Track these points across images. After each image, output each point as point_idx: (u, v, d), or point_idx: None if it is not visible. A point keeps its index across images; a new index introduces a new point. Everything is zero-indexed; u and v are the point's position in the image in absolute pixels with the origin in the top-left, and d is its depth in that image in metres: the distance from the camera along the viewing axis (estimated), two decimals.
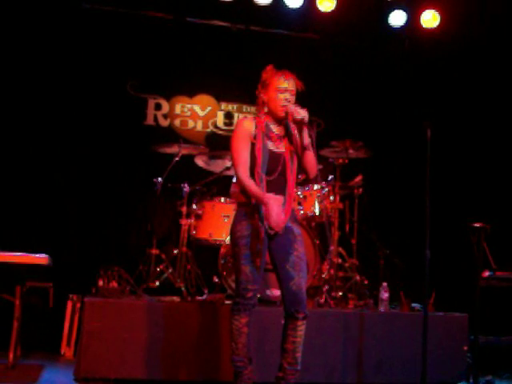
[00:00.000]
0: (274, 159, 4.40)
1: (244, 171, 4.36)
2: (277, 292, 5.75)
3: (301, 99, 4.46)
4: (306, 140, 4.36)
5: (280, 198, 4.36)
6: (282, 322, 4.46)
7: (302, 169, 4.52)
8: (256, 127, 4.44)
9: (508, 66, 8.15)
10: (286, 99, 4.41)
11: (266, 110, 4.52)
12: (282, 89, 4.43)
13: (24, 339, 5.86)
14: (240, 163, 4.39)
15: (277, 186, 4.41)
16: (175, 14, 8.22)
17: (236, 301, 4.37)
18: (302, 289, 4.38)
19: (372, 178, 7.24)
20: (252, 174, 4.38)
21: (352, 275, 6.69)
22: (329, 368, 5.61)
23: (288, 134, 4.52)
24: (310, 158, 4.44)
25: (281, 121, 4.51)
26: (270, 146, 4.44)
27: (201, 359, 5.36)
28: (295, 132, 4.46)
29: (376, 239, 7.01)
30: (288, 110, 4.37)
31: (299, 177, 6.50)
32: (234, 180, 6.66)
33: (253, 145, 4.41)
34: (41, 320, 6.55)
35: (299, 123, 4.34)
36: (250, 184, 4.33)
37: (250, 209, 4.38)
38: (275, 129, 4.51)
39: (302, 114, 4.31)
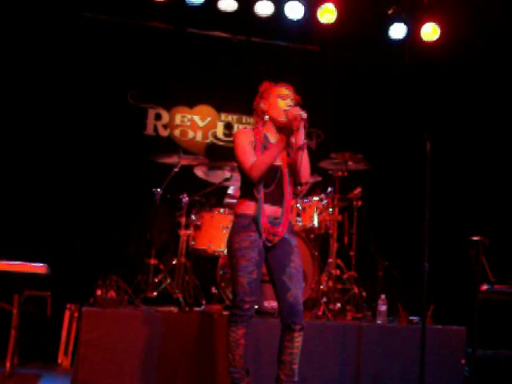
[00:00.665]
0: (272, 171, 4.42)
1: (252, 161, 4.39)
2: (274, 303, 5.75)
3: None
4: (302, 140, 4.32)
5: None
6: (279, 333, 4.46)
7: (293, 173, 4.50)
8: (254, 138, 4.47)
9: (508, 79, 8.17)
10: (288, 105, 4.46)
11: (266, 118, 4.54)
12: (284, 95, 4.51)
13: (21, 348, 5.85)
14: (247, 160, 4.39)
15: (274, 197, 4.43)
16: (176, 24, 8.26)
17: (233, 312, 4.36)
18: (298, 300, 4.38)
19: (371, 190, 7.24)
20: (249, 186, 4.41)
21: (350, 287, 6.68)
22: (326, 380, 5.60)
23: (288, 142, 4.52)
24: (304, 159, 4.41)
25: (281, 129, 4.52)
26: None
27: (198, 370, 5.35)
28: (292, 139, 4.45)
29: (375, 251, 7.00)
30: (287, 111, 4.41)
31: (298, 188, 6.54)
32: (229, 191, 6.68)
33: None
34: (38, 329, 6.53)
35: (298, 118, 4.32)
36: (260, 157, 4.36)
37: (248, 220, 4.39)
38: (273, 140, 4.53)
39: (300, 111, 4.33)
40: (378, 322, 6.10)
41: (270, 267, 4.47)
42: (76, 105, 7.73)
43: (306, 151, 4.39)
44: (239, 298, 4.32)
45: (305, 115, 4.31)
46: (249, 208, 4.41)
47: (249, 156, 4.40)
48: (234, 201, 6.51)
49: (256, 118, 4.61)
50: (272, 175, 4.42)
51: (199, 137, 8.41)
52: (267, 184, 4.41)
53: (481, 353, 6.06)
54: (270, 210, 4.41)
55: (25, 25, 7.56)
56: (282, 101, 4.49)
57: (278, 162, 4.48)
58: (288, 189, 4.47)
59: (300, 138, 4.33)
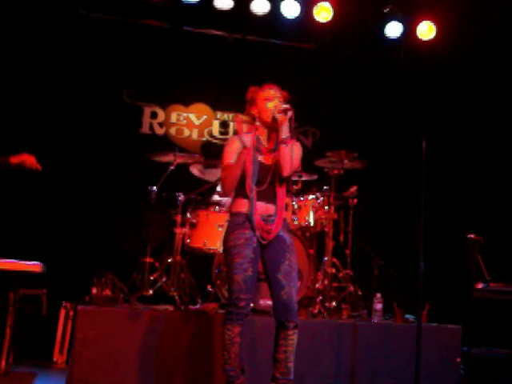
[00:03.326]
0: (264, 170, 4.47)
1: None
2: (270, 302, 5.74)
3: (297, 109, 4.47)
4: (285, 134, 4.39)
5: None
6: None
7: (277, 166, 4.50)
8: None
9: (504, 78, 8.18)
10: (275, 106, 4.47)
11: (257, 123, 4.59)
12: (271, 96, 4.54)
13: (17, 347, 5.84)
14: (223, 171, 4.55)
15: (267, 196, 4.47)
16: (172, 22, 8.23)
17: (229, 310, 4.37)
18: (292, 298, 4.39)
19: (367, 188, 7.24)
20: (243, 185, 4.43)
21: (346, 286, 6.67)
22: (322, 378, 5.61)
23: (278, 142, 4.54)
24: (285, 153, 4.39)
25: (274, 130, 4.55)
26: (260, 158, 4.51)
27: (193, 368, 5.35)
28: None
29: (370, 250, 7.01)
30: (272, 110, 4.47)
31: (295, 187, 6.54)
32: (218, 188, 6.66)
33: None
34: (34, 327, 6.51)
35: (284, 112, 4.38)
36: (225, 172, 4.48)
37: (242, 218, 4.41)
38: (266, 143, 4.60)
39: (285, 105, 4.41)
40: (374, 320, 6.10)
41: (265, 265, 4.49)
42: (71, 103, 7.70)
43: (289, 146, 4.39)
44: (234, 295, 4.33)
45: (291, 110, 4.38)
46: (242, 206, 4.44)
47: (228, 168, 4.51)
48: (221, 198, 6.50)
49: (248, 124, 4.66)
50: (264, 174, 4.46)
51: (195, 135, 8.40)
52: (260, 183, 4.44)
53: (476, 351, 6.06)
54: (262, 207, 4.44)
55: (19, 22, 7.53)
56: (269, 103, 4.52)
57: (270, 162, 4.52)
58: (280, 187, 4.50)
59: (283, 132, 4.38)
